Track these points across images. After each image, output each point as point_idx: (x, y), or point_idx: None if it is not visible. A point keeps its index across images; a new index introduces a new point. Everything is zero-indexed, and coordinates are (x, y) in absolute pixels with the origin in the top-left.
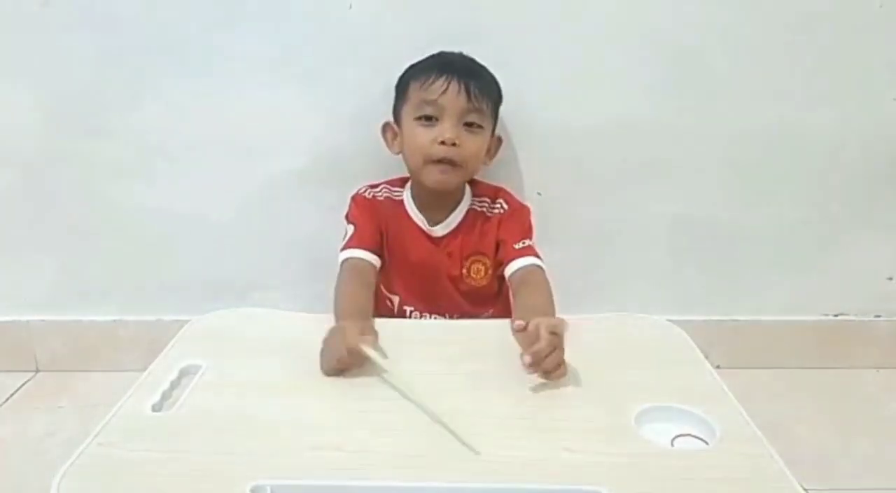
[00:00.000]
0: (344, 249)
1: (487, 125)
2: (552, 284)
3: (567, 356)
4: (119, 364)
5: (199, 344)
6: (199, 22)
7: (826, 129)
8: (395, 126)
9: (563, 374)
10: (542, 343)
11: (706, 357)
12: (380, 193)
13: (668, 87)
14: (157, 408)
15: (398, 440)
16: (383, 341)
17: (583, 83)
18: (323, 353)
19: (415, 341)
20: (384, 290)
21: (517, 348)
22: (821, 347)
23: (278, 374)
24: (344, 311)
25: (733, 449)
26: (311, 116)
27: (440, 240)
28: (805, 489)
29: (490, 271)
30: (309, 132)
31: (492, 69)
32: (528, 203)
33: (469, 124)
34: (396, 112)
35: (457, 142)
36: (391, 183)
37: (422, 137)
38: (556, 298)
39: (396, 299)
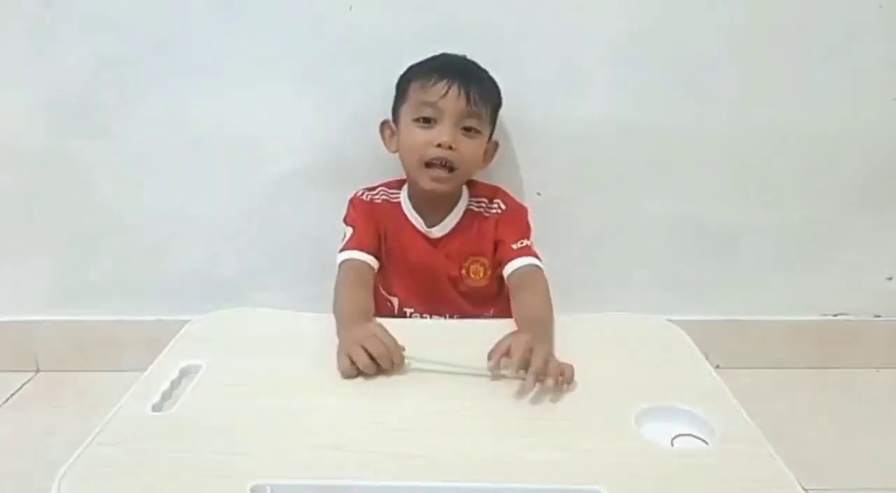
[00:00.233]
0: (342, 250)
1: (485, 130)
2: (552, 284)
3: (567, 356)
4: (119, 364)
5: (199, 344)
6: (198, 22)
7: (826, 129)
8: (392, 125)
9: (570, 380)
10: (533, 365)
11: (706, 357)
12: (377, 196)
13: (669, 87)
14: (157, 408)
15: (398, 440)
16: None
17: (582, 83)
18: (340, 355)
19: (415, 342)
20: (384, 291)
21: None
22: (821, 347)
23: (278, 374)
24: (348, 313)
25: (733, 449)
26: (311, 116)
27: (438, 241)
28: (805, 489)
29: (489, 272)
30: (309, 132)
31: (491, 69)
32: (527, 203)
33: (467, 129)
34: (395, 111)
35: (453, 145)
36: (388, 185)
37: (418, 139)
38: (555, 298)
39: (396, 301)
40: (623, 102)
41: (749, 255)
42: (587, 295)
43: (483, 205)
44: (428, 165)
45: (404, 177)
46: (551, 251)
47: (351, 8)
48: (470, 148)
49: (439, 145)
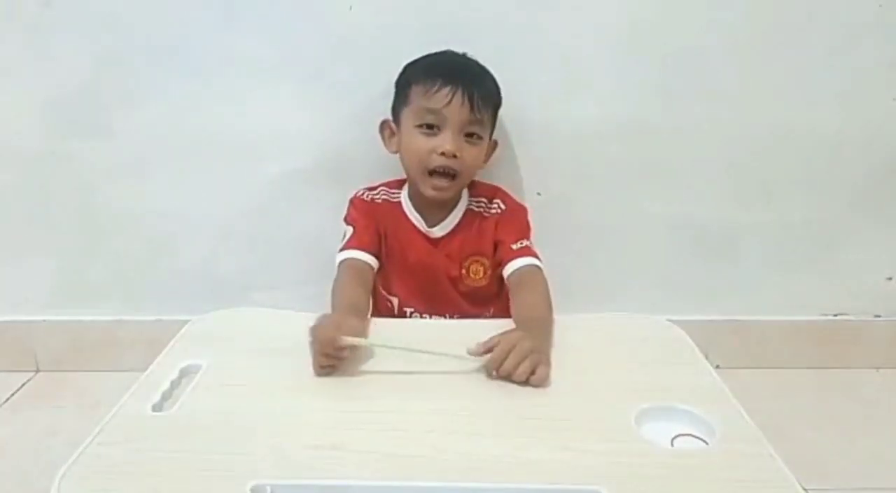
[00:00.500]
0: (342, 250)
1: (486, 134)
2: (552, 284)
3: (567, 356)
4: (119, 364)
5: (199, 344)
6: (198, 22)
7: (826, 129)
8: (393, 125)
9: (543, 380)
10: (496, 351)
11: (706, 357)
12: (378, 196)
13: (668, 87)
14: (157, 408)
15: (398, 440)
16: (383, 340)
17: (582, 83)
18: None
19: (414, 342)
20: (384, 291)
21: None
22: (821, 347)
23: (278, 374)
24: (336, 307)
25: (733, 449)
26: (311, 116)
27: (438, 241)
28: (805, 489)
29: (489, 272)
30: (309, 132)
31: (491, 69)
32: (527, 203)
33: (469, 135)
34: (396, 111)
35: (457, 153)
36: (389, 185)
37: (422, 146)
38: (555, 298)
39: (396, 301)
40: (623, 102)
41: (749, 255)
42: (587, 295)
43: (483, 205)
44: (430, 173)
45: (405, 177)
46: (551, 251)
47: (351, 8)
48: (472, 154)
49: (443, 154)
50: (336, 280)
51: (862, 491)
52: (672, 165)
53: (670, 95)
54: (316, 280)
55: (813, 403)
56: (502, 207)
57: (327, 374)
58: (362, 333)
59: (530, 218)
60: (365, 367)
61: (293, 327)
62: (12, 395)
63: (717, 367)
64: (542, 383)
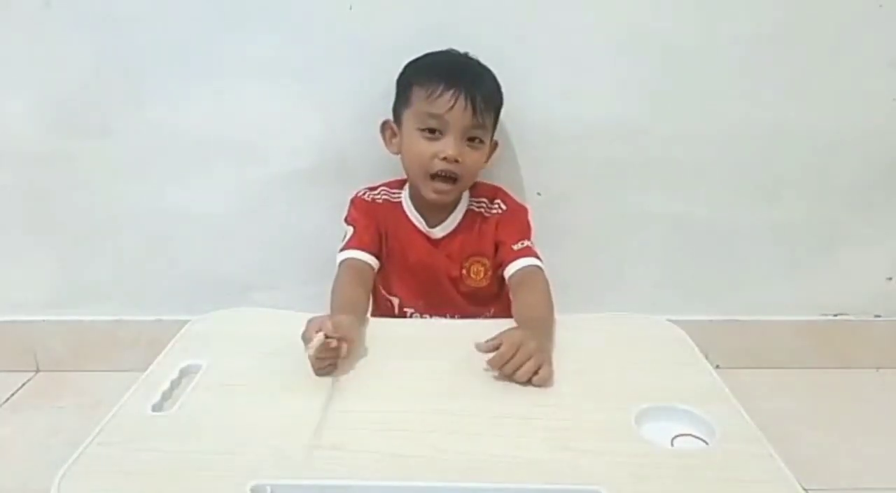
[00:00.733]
0: (342, 250)
1: (488, 137)
2: (552, 284)
3: (567, 356)
4: (119, 364)
5: (199, 344)
6: (199, 22)
7: (826, 129)
8: (394, 126)
9: (546, 381)
10: (502, 349)
11: (706, 357)
12: (378, 196)
13: (668, 87)
14: (157, 408)
15: (398, 440)
16: (383, 340)
17: (582, 83)
18: None
19: (415, 342)
20: (384, 291)
21: None
22: (821, 347)
23: (278, 374)
24: (336, 307)
25: (733, 449)
26: (311, 117)
27: (439, 241)
28: (805, 489)
29: (490, 272)
30: (309, 132)
31: (491, 69)
32: (527, 203)
33: (471, 139)
34: (397, 112)
35: (459, 158)
36: (389, 185)
37: (423, 150)
38: (556, 298)
39: (397, 301)
40: (623, 102)
41: (749, 255)
42: (587, 295)
43: (484, 205)
44: (432, 177)
45: (405, 177)
46: (551, 251)
47: (351, 8)
48: (474, 158)
49: (445, 158)
50: (336, 280)
51: (862, 491)
52: (672, 165)
53: (670, 95)
54: (316, 280)
55: (813, 403)
56: (503, 207)
57: (327, 374)
58: (350, 328)
59: (530, 218)
60: (365, 367)
61: (293, 327)
62: (12, 395)
63: (717, 367)
64: (545, 383)
